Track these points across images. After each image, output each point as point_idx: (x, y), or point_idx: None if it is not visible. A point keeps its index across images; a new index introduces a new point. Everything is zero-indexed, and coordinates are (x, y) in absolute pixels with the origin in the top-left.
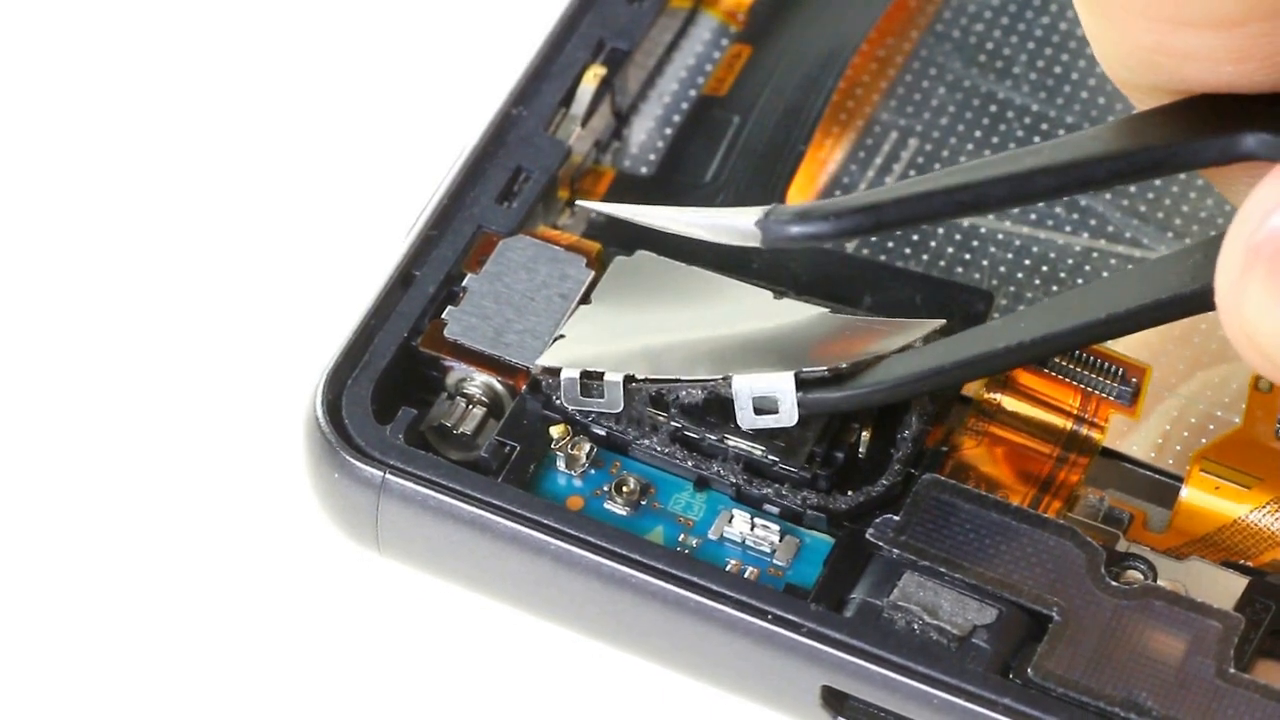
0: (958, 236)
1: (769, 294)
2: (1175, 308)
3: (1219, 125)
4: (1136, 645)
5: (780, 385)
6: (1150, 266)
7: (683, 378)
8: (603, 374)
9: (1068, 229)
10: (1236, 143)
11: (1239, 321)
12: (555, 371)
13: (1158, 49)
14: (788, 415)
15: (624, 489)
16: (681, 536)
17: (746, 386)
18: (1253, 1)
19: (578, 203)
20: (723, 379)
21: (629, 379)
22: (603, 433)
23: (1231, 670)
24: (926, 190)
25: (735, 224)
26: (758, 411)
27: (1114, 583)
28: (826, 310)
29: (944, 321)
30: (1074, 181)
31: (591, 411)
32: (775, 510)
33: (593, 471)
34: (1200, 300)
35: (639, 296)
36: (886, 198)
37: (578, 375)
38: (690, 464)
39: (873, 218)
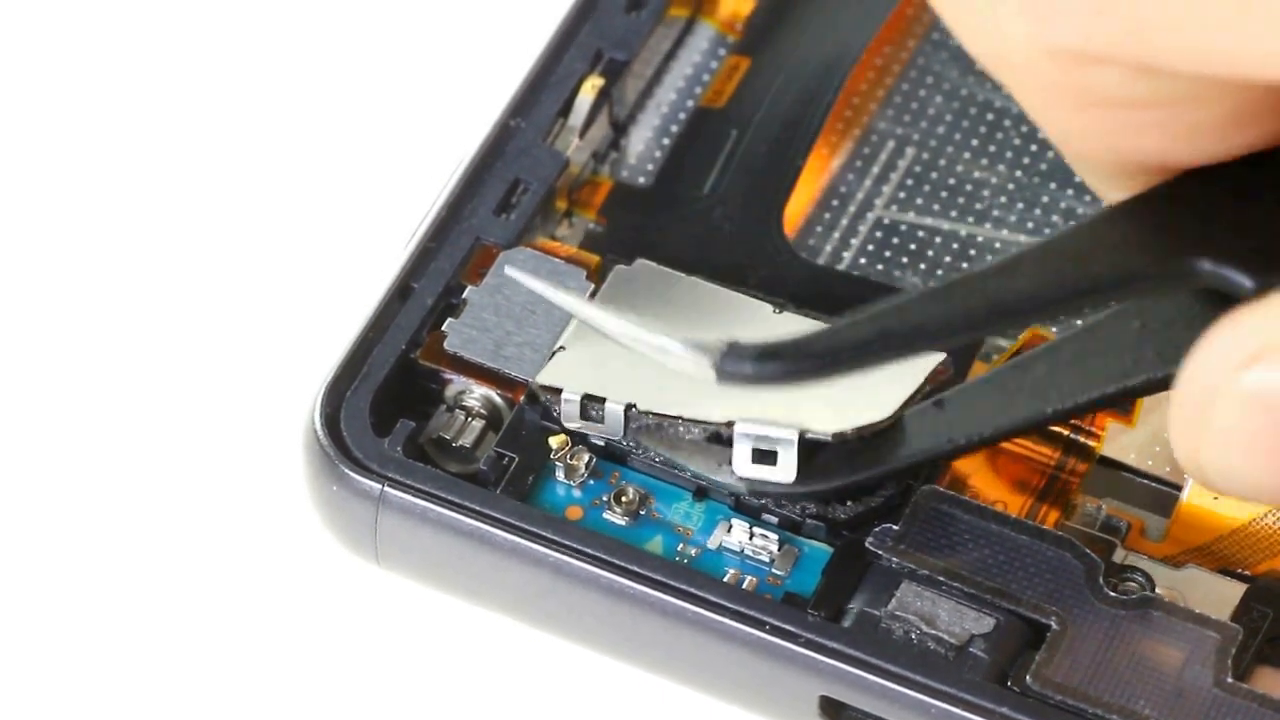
0: (955, 246)
1: (769, 308)
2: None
3: (1171, 247)
4: (1134, 655)
5: (782, 439)
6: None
7: (685, 415)
8: (604, 400)
9: None
10: (1192, 268)
11: (1198, 476)
12: (554, 389)
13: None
14: (785, 472)
15: (623, 499)
16: (680, 546)
17: (749, 437)
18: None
19: (507, 269)
20: (725, 424)
21: (630, 407)
22: (601, 443)
23: (1230, 680)
24: (879, 332)
25: (690, 358)
26: (755, 461)
27: (1112, 593)
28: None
29: (944, 355)
30: (1026, 319)
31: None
32: (774, 520)
33: (592, 482)
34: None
35: (639, 308)
36: (843, 343)
37: (579, 399)
38: (689, 474)
39: (829, 363)
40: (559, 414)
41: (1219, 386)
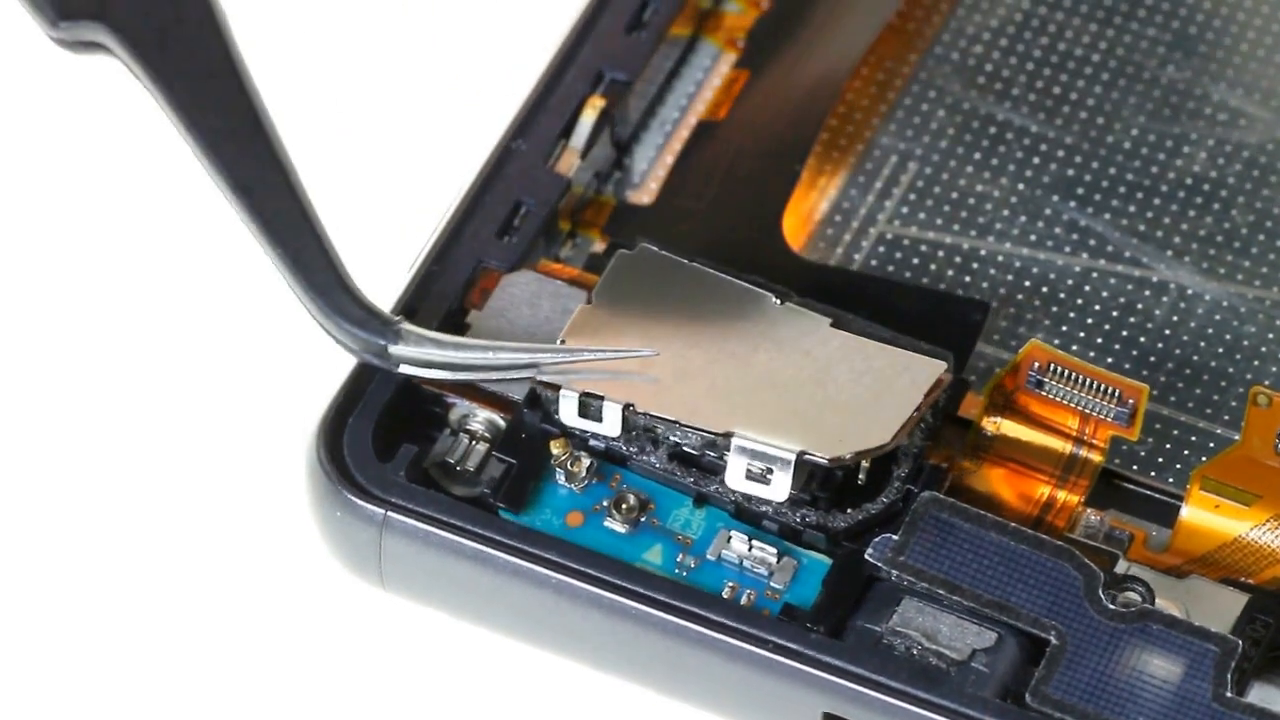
0: (957, 259)
1: (772, 297)
2: None
3: None
4: (1134, 668)
5: (779, 460)
6: None
7: (683, 421)
8: (603, 398)
9: (1067, 249)
10: None
11: None
12: (554, 386)
13: None
14: (778, 491)
15: (623, 506)
16: (680, 556)
17: (745, 452)
18: None
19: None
20: (723, 435)
21: (628, 407)
22: (601, 447)
23: (1229, 694)
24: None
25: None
26: (749, 476)
27: (1112, 605)
28: (828, 323)
29: (947, 366)
30: None
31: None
32: (774, 527)
33: (593, 483)
34: None
35: (641, 296)
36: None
37: (577, 396)
38: (690, 480)
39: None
40: (557, 412)
41: None
